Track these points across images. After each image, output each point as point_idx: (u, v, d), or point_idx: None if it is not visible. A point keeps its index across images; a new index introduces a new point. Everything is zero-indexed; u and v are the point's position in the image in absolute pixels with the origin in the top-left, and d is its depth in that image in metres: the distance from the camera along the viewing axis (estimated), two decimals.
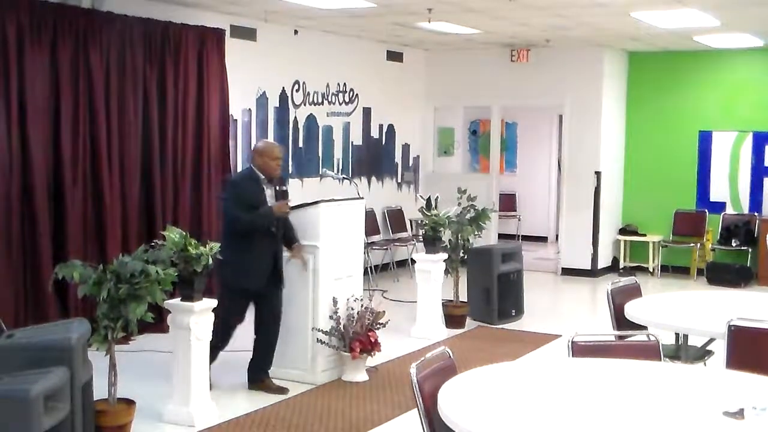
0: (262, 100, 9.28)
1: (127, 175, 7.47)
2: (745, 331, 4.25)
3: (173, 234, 5.04)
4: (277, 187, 5.82)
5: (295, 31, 9.61)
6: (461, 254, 8.12)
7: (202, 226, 8.00)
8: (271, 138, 9.39)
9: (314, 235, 6.06)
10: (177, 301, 5.19)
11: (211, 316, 5.30)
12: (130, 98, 7.44)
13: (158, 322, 6.61)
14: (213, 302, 5.30)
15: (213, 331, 5.71)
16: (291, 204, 5.81)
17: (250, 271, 5.68)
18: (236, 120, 8.87)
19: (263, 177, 5.73)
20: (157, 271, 4.71)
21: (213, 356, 5.80)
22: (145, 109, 7.61)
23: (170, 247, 4.98)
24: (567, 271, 11.29)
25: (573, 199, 11.25)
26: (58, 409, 3.91)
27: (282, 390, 5.89)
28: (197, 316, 5.16)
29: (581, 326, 7.93)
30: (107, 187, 7.25)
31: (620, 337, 4.84)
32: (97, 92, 7.17)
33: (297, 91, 9.76)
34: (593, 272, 11.17)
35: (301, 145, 9.89)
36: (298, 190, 9.66)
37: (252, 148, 5.92)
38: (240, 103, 8.88)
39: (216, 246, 5.16)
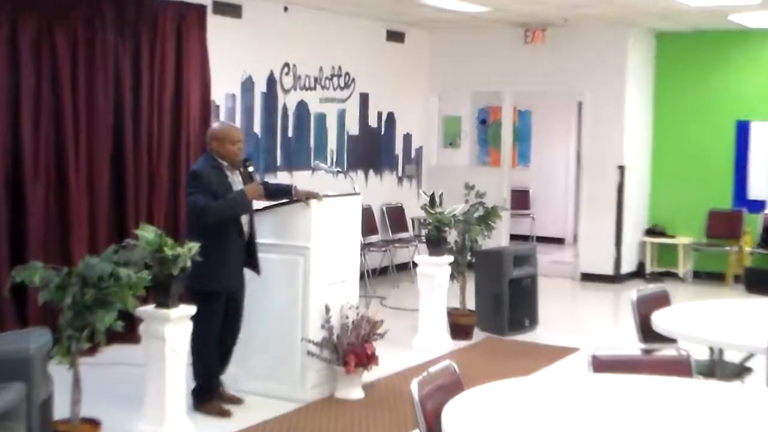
0: (247, 85, 9.25)
1: (96, 166, 7.43)
2: None
3: (147, 233, 5.02)
4: (242, 170, 5.80)
5: (285, 8, 9.58)
6: (468, 257, 8.10)
7: (179, 224, 7.96)
8: (257, 127, 9.38)
9: (305, 235, 6.04)
10: (151, 308, 5.16)
11: (189, 325, 5.26)
12: (100, 82, 7.40)
13: (129, 332, 6.58)
14: (191, 309, 5.27)
15: (204, 365, 5.67)
16: (261, 183, 5.82)
17: (224, 272, 5.66)
18: (218, 106, 8.84)
19: (225, 164, 5.72)
20: (128, 275, 4.69)
21: (214, 389, 5.83)
22: (116, 94, 7.58)
23: (144, 247, 4.96)
24: (587, 277, 11.27)
25: (593, 197, 11.23)
26: (11, 429, 3.87)
27: (236, 400, 5.91)
28: (173, 325, 5.13)
29: (603, 338, 7.91)
30: (73, 181, 7.21)
31: (646, 351, 4.82)
32: (63, 74, 7.13)
33: (287, 74, 9.73)
34: (616, 278, 11.15)
35: (290, 134, 9.87)
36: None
37: (208, 132, 5.90)
38: (223, 87, 8.85)
39: (195, 246, 5.12)
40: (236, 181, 5.76)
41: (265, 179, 9.13)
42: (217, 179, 5.65)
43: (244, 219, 5.77)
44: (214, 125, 5.95)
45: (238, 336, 6.00)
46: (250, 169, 5.85)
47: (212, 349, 5.78)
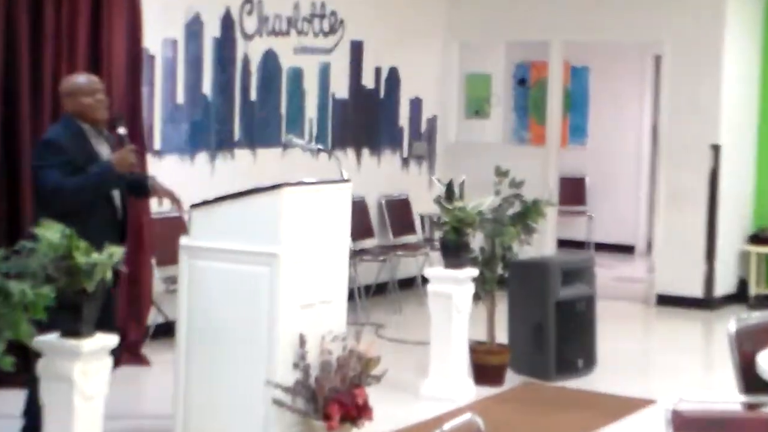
0: (194, 27, 9.25)
1: None
2: None
3: (50, 232, 5.00)
4: (108, 132, 6.11)
5: None
6: (500, 270, 8.10)
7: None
8: (207, 87, 9.40)
9: (272, 236, 6.05)
10: (54, 337, 5.14)
11: (108, 362, 5.25)
12: None
13: (22, 371, 6.59)
14: (111, 339, 5.25)
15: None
16: (134, 149, 6.08)
17: None
18: (153, 57, 8.86)
19: (87, 126, 6.01)
20: (23, 291, 4.67)
21: None
22: (8, 43, 7.57)
23: (45, 252, 4.94)
24: (665, 300, 11.27)
25: (676, 188, 11.24)
26: None
27: None
28: (86, 362, 5.11)
29: (688, 387, 7.89)
30: None
31: (750, 406, 4.83)
32: None
33: (249, 13, 9.74)
34: (707, 302, 11.15)
35: (253, 97, 9.87)
36: (248, 166, 9.59)
37: (59, 89, 6.34)
38: (159, 31, 8.86)
39: (119, 252, 5.11)
40: (104, 149, 6.05)
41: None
42: (76, 147, 5.90)
43: (118, 204, 6.03)
44: (63, 81, 6.34)
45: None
46: (121, 131, 6.10)
47: None
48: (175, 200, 6.43)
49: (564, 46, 11.96)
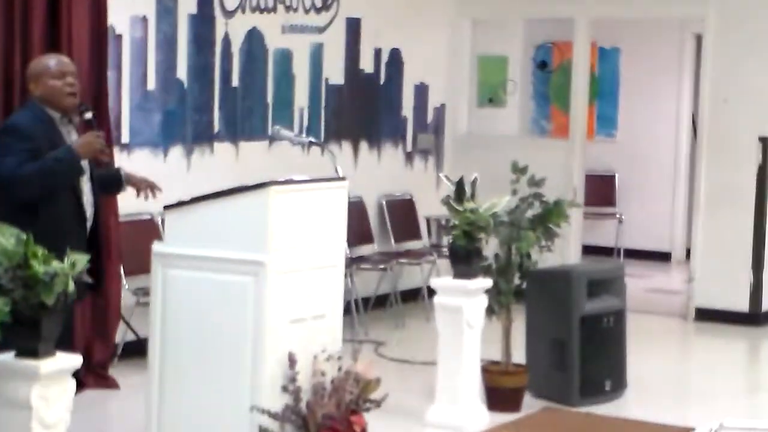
0: (167, 2, 9.24)
1: None
2: None
3: (4, 238, 5.02)
4: (76, 118, 6.25)
5: None
6: (517, 281, 8.12)
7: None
8: (182, 71, 9.40)
9: (257, 242, 6.07)
10: (8, 357, 5.16)
11: (71, 385, 5.28)
12: None
13: None
14: (74, 360, 5.27)
15: None
16: (101, 135, 6.20)
17: None
18: (120, 36, 8.86)
19: (58, 114, 6.14)
20: None
21: None
22: None
23: None
24: (706, 315, 11.26)
25: (719, 187, 11.23)
26: None
27: None
28: (45, 386, 5.12)
29: (730, 412, 7.88)
30: None
31: None
32: None
33: None
34: (754, 318, 11.14)
35: (235, 83, 9.88)
36: (230, 161, 9.61)
37: (26, 76, 6.44)
38: (127, 7, 8.87)
39: (83, 260, 5.14)
40: (75, 139, 6.17)
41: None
42: (45, 136, 6.00)
43: (87, 199, 6.07)
44: (33, 61, 6.46)
45: None
46: (87, 116, 6.24)
47: None
48: (156, 188, 6.55)
49: (591, 24, 11.95)
